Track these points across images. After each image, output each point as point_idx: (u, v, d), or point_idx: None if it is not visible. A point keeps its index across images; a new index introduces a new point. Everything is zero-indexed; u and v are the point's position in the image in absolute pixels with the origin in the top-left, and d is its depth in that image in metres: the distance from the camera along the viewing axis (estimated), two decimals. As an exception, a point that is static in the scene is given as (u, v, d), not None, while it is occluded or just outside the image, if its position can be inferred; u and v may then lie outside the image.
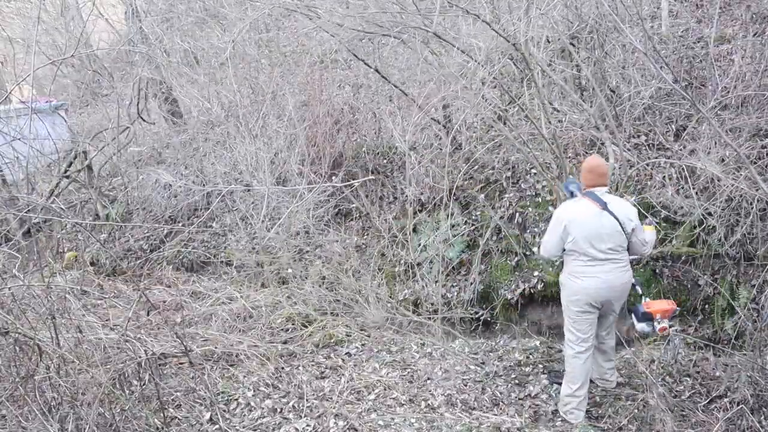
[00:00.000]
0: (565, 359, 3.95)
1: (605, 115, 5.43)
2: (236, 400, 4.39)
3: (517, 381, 4.40)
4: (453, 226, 5.63)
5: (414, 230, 5.99)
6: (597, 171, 3.73)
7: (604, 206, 3.66)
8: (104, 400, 3.72)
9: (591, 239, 3.68)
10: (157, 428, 3.93)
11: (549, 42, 5.33)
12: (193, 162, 8.09)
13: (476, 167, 6.11)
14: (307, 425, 4.01)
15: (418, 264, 5.65)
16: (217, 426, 4.07)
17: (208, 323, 5.62)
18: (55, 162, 8.96)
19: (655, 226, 3.96)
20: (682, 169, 4.78)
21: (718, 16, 5.89)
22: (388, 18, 5.13)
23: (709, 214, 4.57)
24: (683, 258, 4.66)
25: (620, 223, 3.66)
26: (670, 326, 3.86)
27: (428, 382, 4.44)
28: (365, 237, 6.40)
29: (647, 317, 3.77)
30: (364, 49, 6.51)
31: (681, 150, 4.76)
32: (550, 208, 5.43)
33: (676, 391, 4.04)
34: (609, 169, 3.82)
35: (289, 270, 6.34)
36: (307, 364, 4.82)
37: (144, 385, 4.21)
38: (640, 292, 3.91)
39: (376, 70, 6.23)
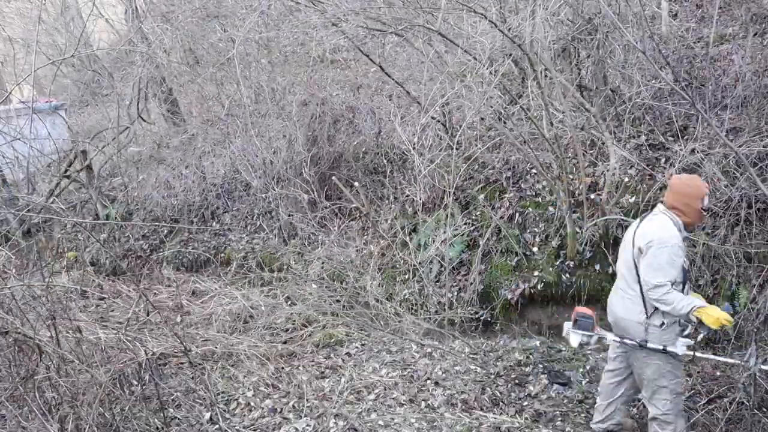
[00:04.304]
0: None
1: (606, 115, 5.42)
2: (236, 400, 4.39)
3: (517, 381, 4.40)
4: (453, 226, 5.63)
5: (414, 230, 5.99)
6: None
7: (639, 223, 3.40)
8: (104, 400, 3.72)
9: None
10: (157, 428, 3.93)
11: (553, 43, 5.33)
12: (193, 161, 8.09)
13: (476, 167, 6.11)
14: (307, 425, 4.01)
15: (419, 264, 5.65)
16: (217, 426, 4.07)
17: (208, 323, 5.62)
18: (55, 162, 8.97)
19: (719, 317, 3.07)
20: (683, 169, 4.78)
21: (718, 16, 5.88)
22: (392, 14, 5.13)
23: (711, 214, 4.57)
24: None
25: (633, 242, 3.31)
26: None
27: (428, 382, 4.44)
28: (365, 237, 6.39)
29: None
30: (366, 47, 6.50)
31: (681, 150, 4.75)
32: (550, 209, 5.43)
33: (676, 391, 4.04)
34: (672, 186, 3.30)
35: (290, 268, 6.34)
36: (307, 364, 4.82)
37: (144, 385, 4.22)
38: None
39: (380, 67, 6.23)
